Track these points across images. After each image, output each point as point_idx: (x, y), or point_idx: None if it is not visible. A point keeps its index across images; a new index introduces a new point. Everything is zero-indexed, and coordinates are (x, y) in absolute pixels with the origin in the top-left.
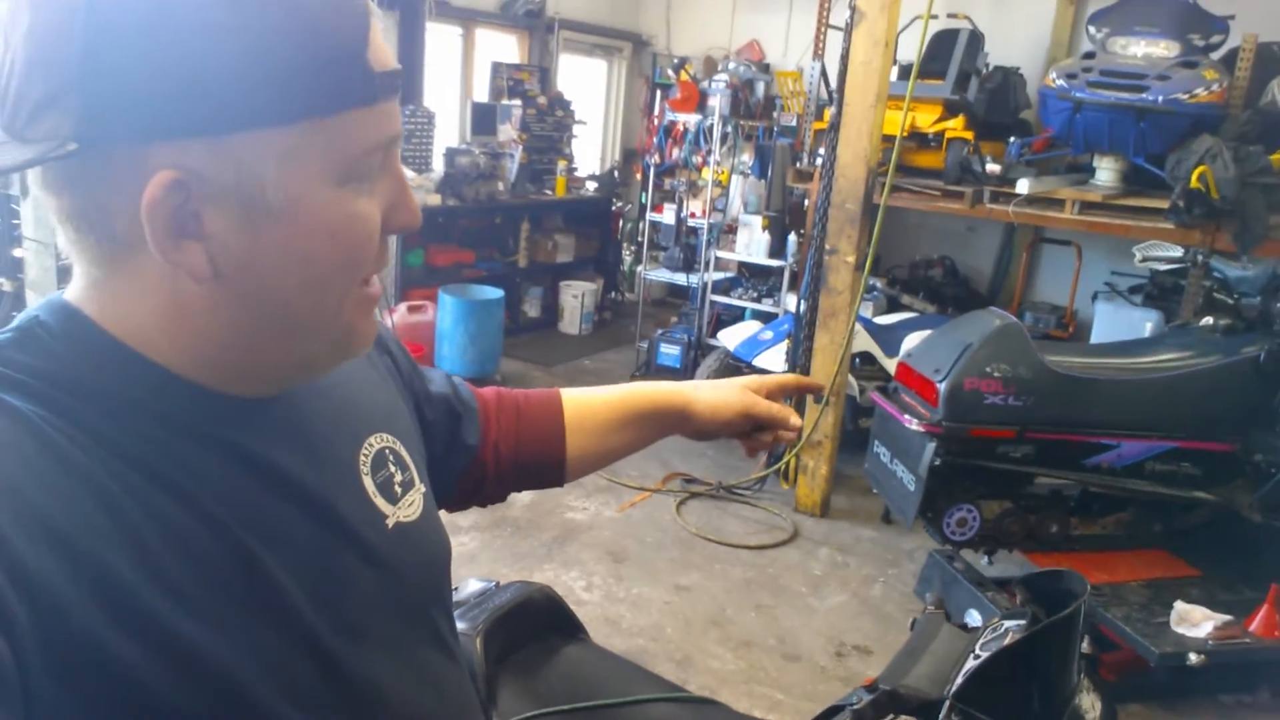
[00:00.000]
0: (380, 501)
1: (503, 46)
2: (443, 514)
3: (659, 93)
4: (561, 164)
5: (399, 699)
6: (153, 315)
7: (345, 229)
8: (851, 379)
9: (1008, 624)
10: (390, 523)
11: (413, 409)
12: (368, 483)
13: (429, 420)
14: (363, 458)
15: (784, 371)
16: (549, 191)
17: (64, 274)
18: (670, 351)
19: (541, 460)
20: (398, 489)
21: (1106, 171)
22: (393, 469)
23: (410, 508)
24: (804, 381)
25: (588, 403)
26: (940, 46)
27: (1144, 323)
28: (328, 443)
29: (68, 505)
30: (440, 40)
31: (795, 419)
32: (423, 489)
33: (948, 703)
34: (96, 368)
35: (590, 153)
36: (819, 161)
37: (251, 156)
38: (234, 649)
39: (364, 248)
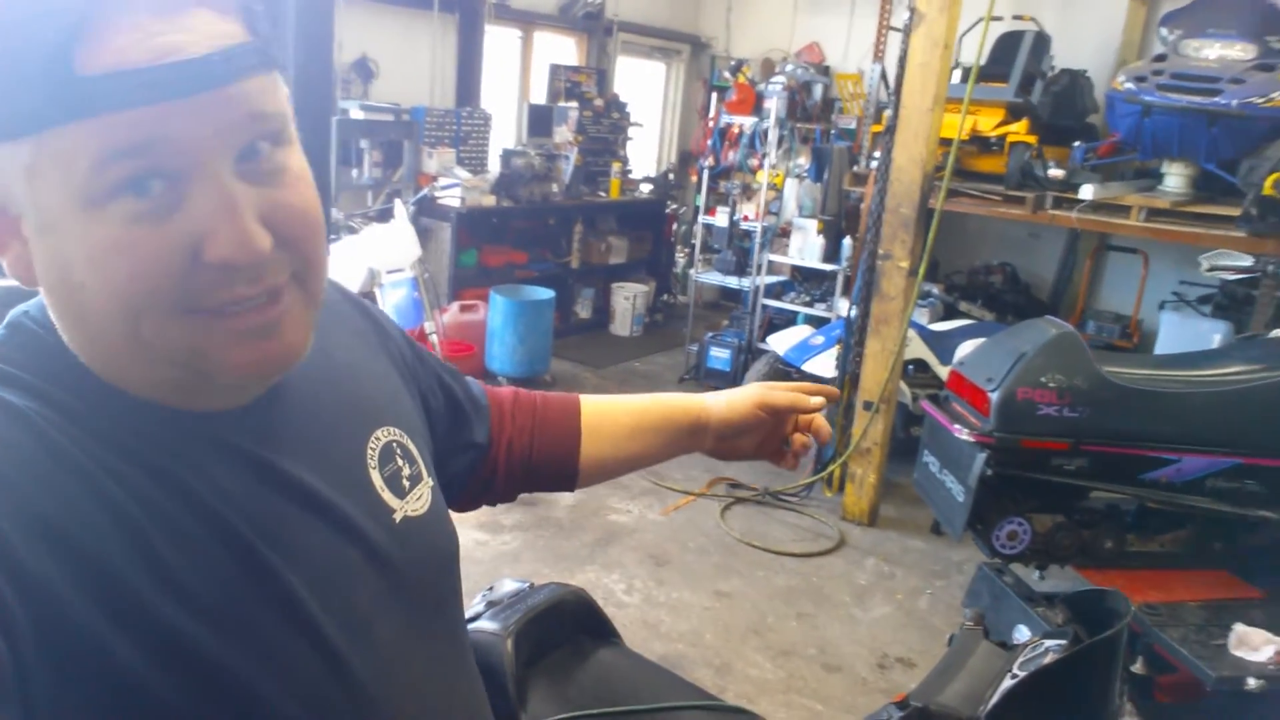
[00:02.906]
0: (388, 496)
1: (561, 49)
2: (484, 513)
3: (716, 95)
4: (616, 166)
5: (407, 695)
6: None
7: (106, 258)
8: (904, 386)
9: (1048, 643)
10: (398, 517)
11: (419, 401)
12: (375, 476)
13: (434, 411)
14: (370, 451)
15: (831, 379)
16: (603, 193)
17: None
18: (720, 355)
19: (555, 463)
20: (405, 483)
21: (1175, 178)
22: (400, 462)
23: (418, 502)
24: (818, 388)
25: (606, 409)
26: (1005, 49)
27: (1212, 334)
28: (334, 437)
29: (67, 503)
30: (499, 43)
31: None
32: (431, 483)
33: None
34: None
35: (646, 155)
36: (874, 165)
37: (4, 172)
38: (238, 648)
39: (140, 280)
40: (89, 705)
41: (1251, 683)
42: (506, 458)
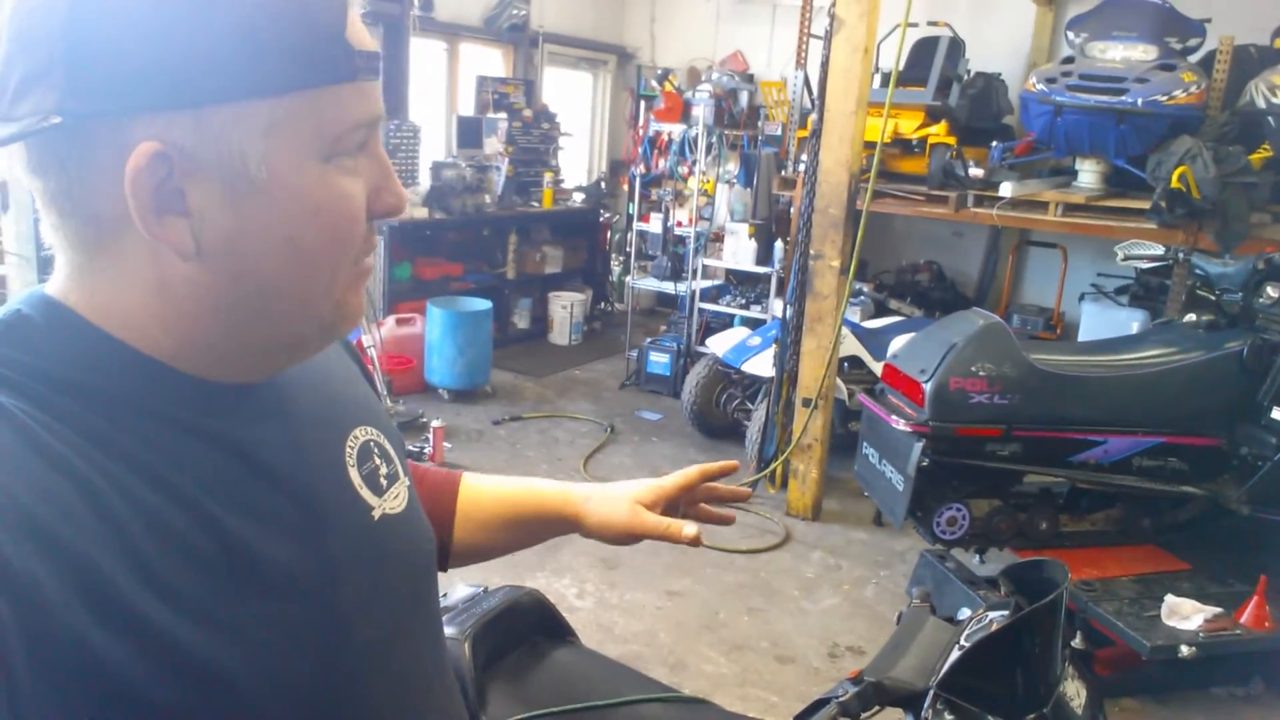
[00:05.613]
0: (366, 493)
1: (488, 60)
2: None
3: (644, 104)
4: (548, 176)
5: (387, 691)
6: (138, 298)
7: (329, 206)
8: (840, 383)
9: (992, 615)
10: (376, 514)
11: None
12: (354, 475)
13: None
14: (349, 449)
15: (770, 377)
16: (536, 203)
17: (45, 267)
18: (660, 359)
19: None
20: (383, 481)
21: (1088, 174)
22: (378, 461)
23: (396, 500)
24: (709, 469)
25: (481, 495)
26: (922, 54)
27: (1130, 322)
28: (314, 434)
29: (52, 501)
30: (425, 55)
31: (688, 532)
32: (407, 482)
33: (932, 692)
34: (80, 361)
35: (577, 164)
36: (802, 168)
37: (234, 130)
38: (222, 644)
39: (350, 226)
40: (74, 702)
41: (1184, 650)
42: None
